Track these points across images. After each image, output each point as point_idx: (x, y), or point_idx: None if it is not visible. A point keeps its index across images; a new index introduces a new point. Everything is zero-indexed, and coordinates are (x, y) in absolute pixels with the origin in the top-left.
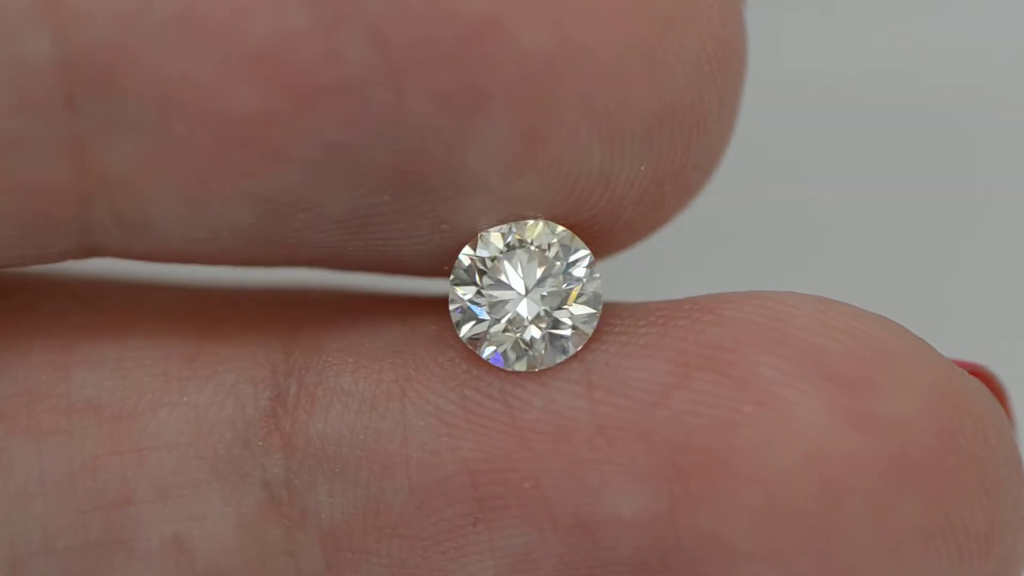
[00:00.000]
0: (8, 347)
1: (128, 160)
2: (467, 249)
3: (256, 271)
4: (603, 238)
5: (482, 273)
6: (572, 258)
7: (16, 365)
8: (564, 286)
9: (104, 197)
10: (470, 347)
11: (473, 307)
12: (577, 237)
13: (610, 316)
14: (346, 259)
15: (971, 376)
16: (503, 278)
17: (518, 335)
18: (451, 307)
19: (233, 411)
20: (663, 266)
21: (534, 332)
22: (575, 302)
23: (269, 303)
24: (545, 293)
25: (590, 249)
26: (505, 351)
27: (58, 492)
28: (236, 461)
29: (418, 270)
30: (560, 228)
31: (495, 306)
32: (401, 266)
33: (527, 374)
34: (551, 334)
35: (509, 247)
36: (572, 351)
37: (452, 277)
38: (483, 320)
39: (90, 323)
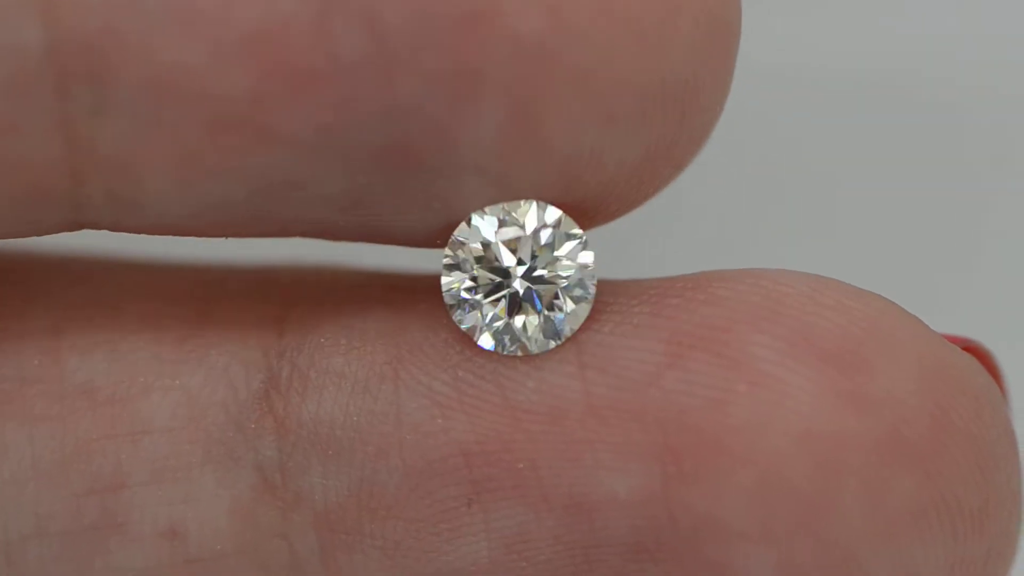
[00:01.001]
0: (0, 330)
1: (119, 142)
2: (459, 231)
3: (249, 251)
4: (595, 211)
5: (474, 256)
6: (565, 241)
7: (8, 350)
8: (557, 269)
9: (95, 177)
10: (463, 332)
11: (466, 291)
12: (570, 218)
13: (602, 294)
14: (338, 232)
15: (964, 352)
16: (496, 261)
17: (511, 320)
18: (444, 291)
19: (226, 394)
20: (655, 243)
21: (527, 316)
22: (568, 286)
23: (261, 284)
24: (538, 276)
25: (582, 223)
26: (498, 335)
27: (51, 476)
28: (229, 444)
29: (410, 243)
30: (553, 209)
31: (488, 290)
32: (393, 239)
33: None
34: (545, 318)
35: (502, 229)
36: (566, 335)
37: (444, 260)
38: (476, 304)
39: (82, 306)
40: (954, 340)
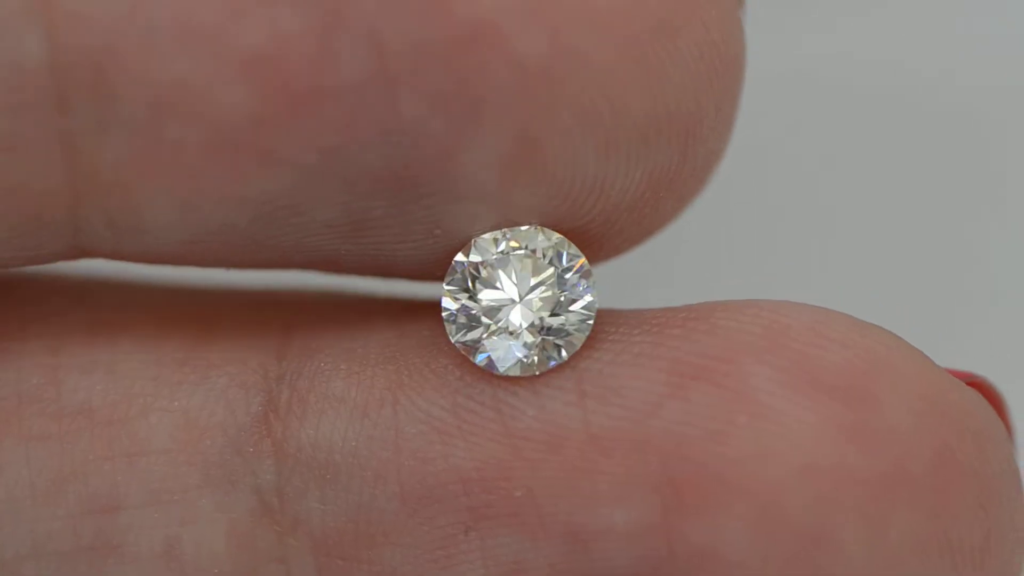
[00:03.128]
0: None
1: (120, 162)
2: (461, 255)
3: (249, 273)
4: (597, 244)
5: (475, 279)
6: (566, 264)
7: (6, 368)
8: (558, 292)
9: (95, 199)
10: (463, 352)
11: (466, 313)
12: (571, 243)
13: (604, 324)
14: (340, 262)
15: (969, 388)
16: (496, 284)
17: (511, 341)
18: (444, 313)
19: (225, 416)
20: (658, 272)
21: (527, 338)
22: (569, 308)
23: (262, 306)
24: (538, 299)
25: (584, 255)
26: (498, 356)
27: (48, 497)
28: (227, 467)
29: (412, 274)
30: (554, 234)
31: (488, 312)
32: (395, 270)
33: (520, 381)
34: (544, 340)
35: (503, 253)
36: (565, 357)
37: (446, 282)
38: (476, 326)
39: (82, 326)
40: (959, 375)
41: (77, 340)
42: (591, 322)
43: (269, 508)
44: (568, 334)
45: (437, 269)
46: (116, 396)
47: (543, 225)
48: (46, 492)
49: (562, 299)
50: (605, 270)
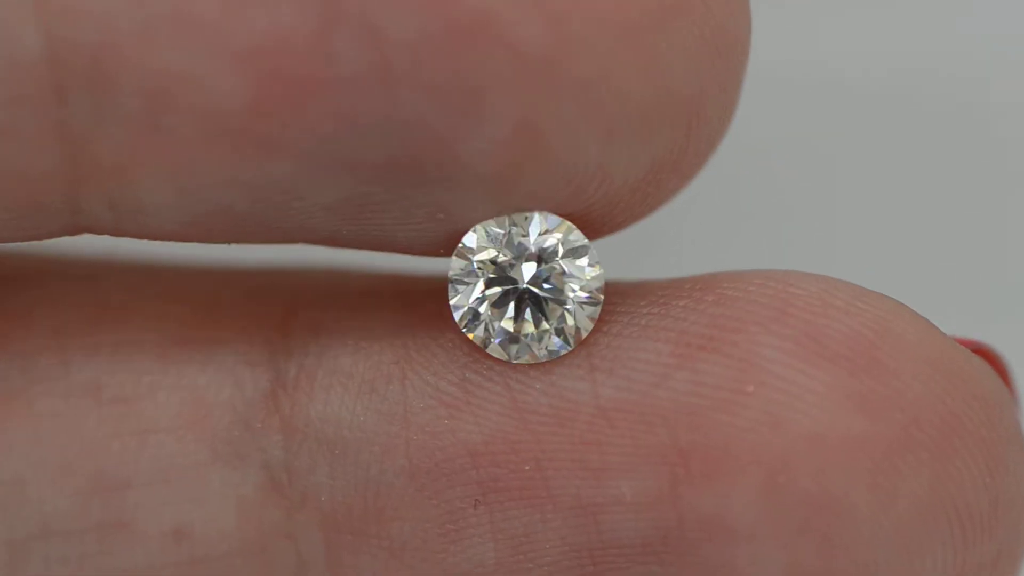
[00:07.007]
0: (6, 329)
1: (118, 150)
2: (465, 242)
3: (255, 251)
4: (600, 223)
5: (481, 267)
6: (571, 250)
7: (14, 348)
8: (564, 278)
9: (94, 184)
10: (472, 343)
11: (473, 302)
12: (576, 228)
13: (611, 295)
14: (341, 241)
15: (975, 355)
16: (502, 271)
17: (519, 329)
18: (451, 302)
19: (232, 393)
20: (665, 242)
21: (536, 325)
22: (575, 294)
23: (269, 284)
24: (545, 285)
25: (587, 234)
26: (507, 346)
27: (56, 475)
28: (236, 443)
29: (414, 252)
30: (559, 219)
31: (495, 300)
32: (397, 248)
33: None
34: (553, 327)
35: (508, 240)
36: (575, 343)
37: (451, 272)
38: (484, 314)
39: (89, 305)
40: (965, 343)
41: (83, 321)
42: (598, 308)
43: (278, 484)
44: (575, 321)
45: (440, 250)
46: (123, 375)
47: (546, 209)
48: (55, 471)
49: (568, 285)
50: (610, 243)
